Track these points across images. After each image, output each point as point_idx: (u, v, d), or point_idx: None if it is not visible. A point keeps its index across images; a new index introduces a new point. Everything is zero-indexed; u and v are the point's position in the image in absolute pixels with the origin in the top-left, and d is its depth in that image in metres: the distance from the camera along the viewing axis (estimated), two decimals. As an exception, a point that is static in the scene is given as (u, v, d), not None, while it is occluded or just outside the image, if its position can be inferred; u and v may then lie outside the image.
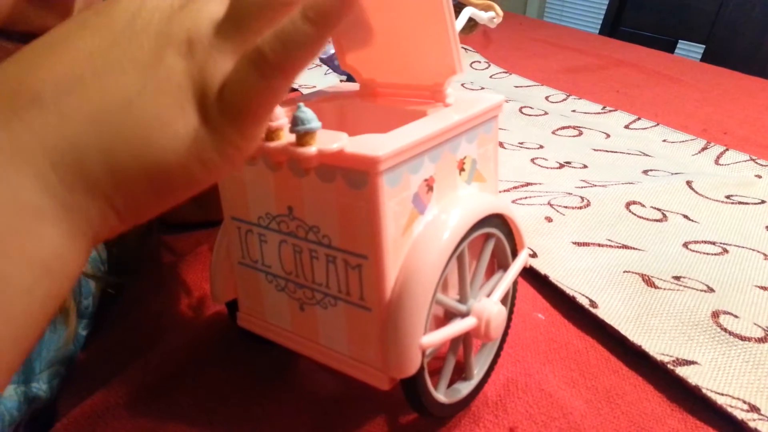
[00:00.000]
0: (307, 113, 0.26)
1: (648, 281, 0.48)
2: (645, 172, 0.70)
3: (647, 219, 0.59)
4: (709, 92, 1.02)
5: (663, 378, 0.39)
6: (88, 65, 0.21)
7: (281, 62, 0.21)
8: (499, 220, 0.34)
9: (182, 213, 0.47)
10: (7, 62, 0.22)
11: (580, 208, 0.60)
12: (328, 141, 0.27)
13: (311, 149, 0.27)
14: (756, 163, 0.71)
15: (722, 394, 0.37)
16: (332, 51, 0.48)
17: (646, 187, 0.64)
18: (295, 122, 0.26)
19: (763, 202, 0.63)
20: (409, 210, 0.29)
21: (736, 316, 0.44)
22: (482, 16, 0.41)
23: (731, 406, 0.36)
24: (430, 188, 0.30)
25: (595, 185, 0.65)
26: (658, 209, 0.60)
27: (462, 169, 0.33)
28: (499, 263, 0.37)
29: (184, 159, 0.22)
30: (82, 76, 0.21)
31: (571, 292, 0.46)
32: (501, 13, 0.35)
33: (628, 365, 0.40)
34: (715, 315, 0.44)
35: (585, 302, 0.45)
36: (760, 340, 0.42)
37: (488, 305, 0.32)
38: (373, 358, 0.31)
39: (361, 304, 0.30)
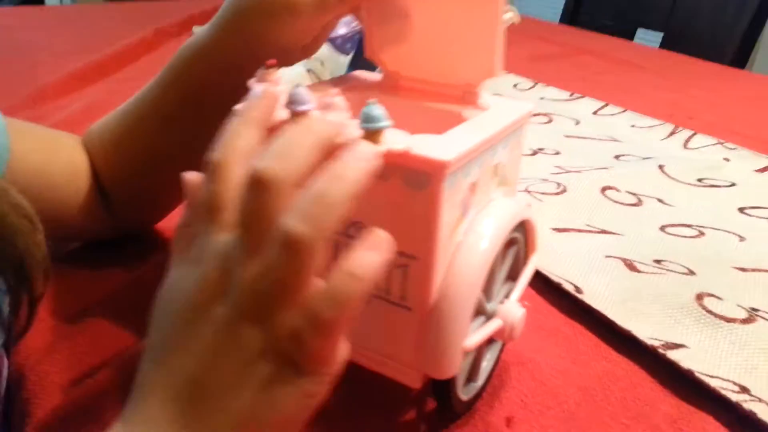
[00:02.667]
0: (377, 110, 0.25)
1: (630, 265, 0.48)
2: (616, 157, 0.71)
3: (623, 203, 0.59)
4: (671, 78, 1.03)
5: (653, 362, 0.38)
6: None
7: (337, 319, 0.22)
8: (522, 226, 0.34)
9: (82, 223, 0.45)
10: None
11: (557, 194, 0.59)
12: (391, 139, 0.26)
13: (381, 147, 0.25)
14: (723, 146, 0.72)
15: (712, 377, 0.37)
16: (340, 31, 0.47)
17: (619, 172, 0.64)
18: (365, 118, 0.25)
19: (733, 185, 0.63)
20: (458, 213, 0.29)
21: (719, 298, 0.44)
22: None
23: (723, 389, 0.36)
24: (473, 192, 0.30)
25: (570, 171, 0.65)
26: (633, 194, 0.60)
27: (495, 174, 0.33)
28: (513, 265, 0.36)
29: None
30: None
31: (556, 279, 0.46)
32: (518, 16, 0.34)
33: (617, 350, 0.40)
34: (699, 297, 0.44)
35: (570, 288, 0.45)
36: (744, 321, 0.42)
37: (513, 308, 0.32)
38: (406, 357, 0.30)
39: (402, 304, 0.30)
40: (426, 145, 0.27)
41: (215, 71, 0.40)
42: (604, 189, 0.61)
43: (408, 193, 0.27)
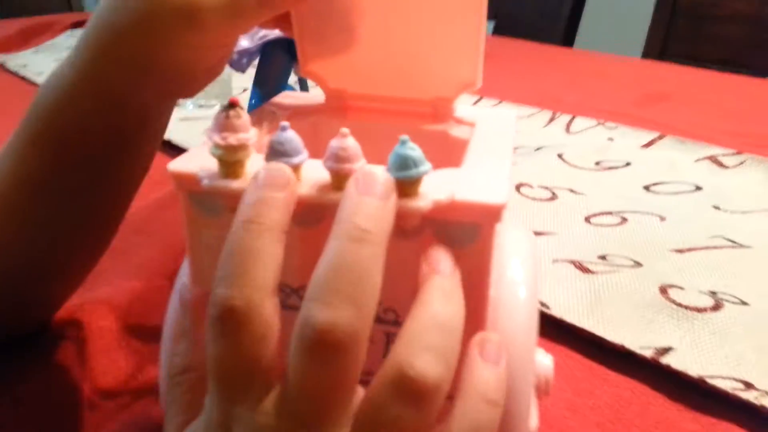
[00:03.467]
0: (413, 151, 0.19)
1: (580, 267, 0.45)
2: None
3: (541, 199, 0.56)
4: (522, 64, 1.05)
5: (651, 373, 0.36)
6: None
7: None
8: None
9: None
10: None
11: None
12: (429, 185, 0.20)
13: (424, 202, 0.18)
14: (605, 126, 0.73)
15: (713, 377, 0.35)
16: (243, 43, 0.37)
17: (524, 168, 0.62)
18: (401, 164, 0.19)
19: (628, 164, 0.64)
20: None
21: (681, 288, 0.43)
22: None
23: (735, 389, 0.34)
24: None
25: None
26: (546, 187, 0.59)
27: None
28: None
29: None
30: None
31: (519, 298, 0.42)
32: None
33: (610, 367, 0.36)
34: (663, 291, 0.42)
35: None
36: (714, 309, 0.41)
37: (545, 360, 0.26)
38: None
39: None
40: (465, 187, 0.20)
41: (92, 114, 0.30)
42: (518, 186, 0.58)
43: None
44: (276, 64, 0.45)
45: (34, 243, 0.32)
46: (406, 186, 0.19)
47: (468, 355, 0.19)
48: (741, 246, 0.48)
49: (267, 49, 0.44)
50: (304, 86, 0.42)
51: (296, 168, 0.20)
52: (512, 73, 0.99)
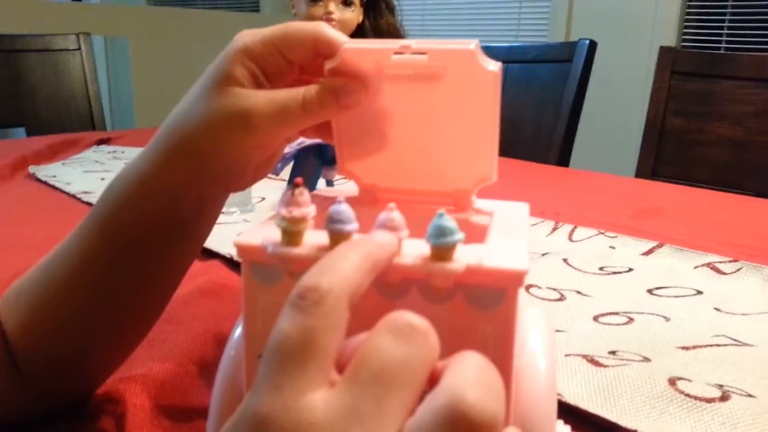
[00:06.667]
0: (449, 221, 0.22)
1: (592, 361, 0.47)
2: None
3: (549, 300, 0.59)
4: (522, 180, 1.11)
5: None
6: None
7: None
8: None
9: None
10: None
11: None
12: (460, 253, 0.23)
13: (458, 265, 0.21)
14: (605, 236, 0.77)
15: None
16: (295, 144, 0.42)
17: (532, 271, 0.65)
18: (438, 233, 0.22)
19: (630, 270, 0.67)
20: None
21: (689, 380, 0.44)
22: None
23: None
24: None
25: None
26: (554, 289, 0.61)
27: None
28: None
29: None
30: None
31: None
32: None
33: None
34: (672, 382, 0.44)
35: (551, 395, 0.43)
36: (722, 399, 0.42)
37: (564, 430, 0.28)
38: None
39: None
40: (491, 256, 0.23)
41: (158, 204, 0.34)
42: (527, 287, 0.61)
43: (474, 315, 0.23)
44: (308, 168, 0.50)
45: (90, 321, 0.35)
46: (443, 252, 0.22)
47: None
48: (744, 344, 0.50)
49: (301, 155, 0.49)
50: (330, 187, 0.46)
51: (348, 234, 0.23)
52: (513, 189, 1.05)
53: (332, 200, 0.32)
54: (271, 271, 0.25)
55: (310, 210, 0.24)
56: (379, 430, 0.18)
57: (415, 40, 0.30)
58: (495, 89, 0.30)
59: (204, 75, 0.33)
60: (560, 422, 0.30)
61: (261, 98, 0.31)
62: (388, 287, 0.24)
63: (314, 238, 0.24)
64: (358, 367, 0.19)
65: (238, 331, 0.29)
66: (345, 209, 0.23)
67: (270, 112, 0.31)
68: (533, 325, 0.28)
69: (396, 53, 0.30)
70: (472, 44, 0.29)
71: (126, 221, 0.34)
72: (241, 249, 0.25)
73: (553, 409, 0.26)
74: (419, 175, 0.33)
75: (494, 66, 0.29)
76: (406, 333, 0.19)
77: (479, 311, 0.23)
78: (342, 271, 0.20)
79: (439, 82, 0.30)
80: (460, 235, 0.22)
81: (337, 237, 0.23)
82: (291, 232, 0.24)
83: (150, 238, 0.34)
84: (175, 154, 0.33)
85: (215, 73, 0.32)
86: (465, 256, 0.23)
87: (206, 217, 0.36)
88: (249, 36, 0.32)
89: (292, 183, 0.48)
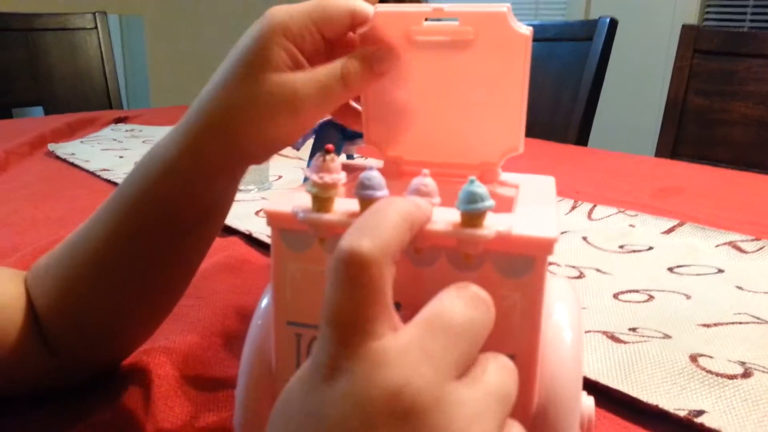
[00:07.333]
0: (480, 188, 0.22)
1: (612, 337, 0.47)
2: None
3: (570, 277, 0.59)
4: (540, 160, 1.10)
5: (687, 433, 0.37)
6: None
7: None
8: None
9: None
10: None
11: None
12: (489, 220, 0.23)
13: (488, 231, 0.21)
14: (625, 214, 0.77)
15: (749, 438, 0.36)
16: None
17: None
18: (469, 199, 0.22)
19: (651, 248, 0.67)
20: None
21: (710, 357, 0.44)
22: None
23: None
24: None
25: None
26: (574, 266, 0.61)
27: None
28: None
29: None
30: None
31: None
32: None
33: (646, 427, 0.38)
34: (694, 359, 0.44)
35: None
36: (744, 376, 0.42)
37: (588, 401, 0.28)
38: None
39: None
40: (520, 224, 0.23)
41: (192, 180, 0.34)
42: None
43: (503, 283, 0.24)
44: (330, 143, 0.50)
45: (118, 297, 0.36)
46: (474, 218, 0.22)
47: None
48: (766, 322, 0.50)
49: (322, 129, 0.49)
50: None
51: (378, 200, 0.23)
52: (532, 168, 1.04)
53: (358, 170, 0.32)
54: (301, 238, 0.25)
55: (341, 176, 0.24)
56: (441, 369, 0.19)
57: (446, 4, 0.30)
58: (526, 54, 0.29)
59: (237, 55, 0.32)
60: (584, 393, 0.30)
61: (304, 81, 0.31)
62: (418, 255, 0.24)
63: (344, 205, 0.24)
64: (430, 319, 0.20)
65: (265, 300, 0.29)
66: (376, 176, 0.23)
67: (314, 95, 0.31)
68: (559, 298, 0.28)
69: (428, 18, 0.30)
70: (504, 7, 0.29)
71: (155, 201, 0.34)
72: (271, 216, 0.25)
73: (579, 379, 0.26)
74: (445, 147, 0.33)
75: (526, 29, 0.29)
76: (475, 301, 0.22)
77: (508, 279, 0.23)
78: (384, 231, 0.20)
79: (469, 48, 0.30)
80: (490, 202, 0.22)
81: (368, 203, 0.23)
82: (322, 199, 0.24)
83: (179, 217, 0.34)
84: (210, 137, 0.32)
85: (252, 56, 0.31)
86: (495, 224, 0.23)
87: (232, 192, 0.36)
88: (284, 13, 0.31)
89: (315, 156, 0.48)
